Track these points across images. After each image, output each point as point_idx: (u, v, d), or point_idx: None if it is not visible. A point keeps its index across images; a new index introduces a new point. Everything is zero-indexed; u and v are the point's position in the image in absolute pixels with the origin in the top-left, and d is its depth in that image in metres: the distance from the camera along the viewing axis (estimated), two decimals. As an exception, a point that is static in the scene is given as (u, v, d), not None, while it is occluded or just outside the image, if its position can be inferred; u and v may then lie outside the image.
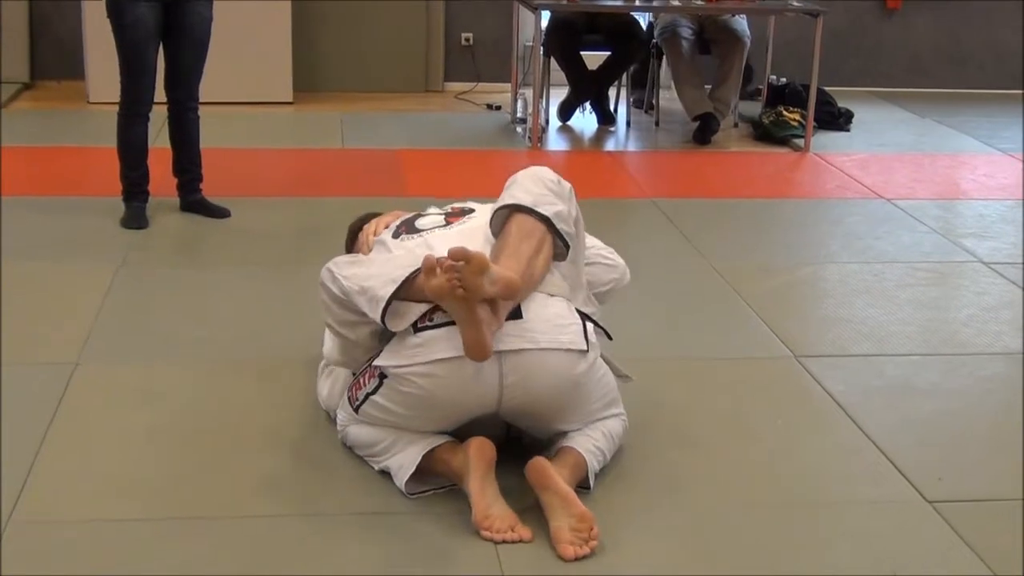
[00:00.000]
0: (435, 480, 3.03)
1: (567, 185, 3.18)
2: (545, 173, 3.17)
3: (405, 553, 2.80)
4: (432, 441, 3.02)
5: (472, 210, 3.33)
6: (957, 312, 4.51)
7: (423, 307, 2.95)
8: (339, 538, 2.85)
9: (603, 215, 5.61)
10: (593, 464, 3.05)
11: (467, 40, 8.33)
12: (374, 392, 3.04)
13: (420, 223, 3.29)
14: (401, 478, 3.00)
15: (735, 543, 2.89)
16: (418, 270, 2.89)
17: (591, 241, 3.39)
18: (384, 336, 3.04)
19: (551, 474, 2.88)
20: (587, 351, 3.03)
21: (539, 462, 2.90)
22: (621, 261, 3.48)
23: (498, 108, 7.74)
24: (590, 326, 3.10)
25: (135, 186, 5.11)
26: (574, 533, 2.80)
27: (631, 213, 5.69)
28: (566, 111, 7.47)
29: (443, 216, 3.31)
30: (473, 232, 3.15)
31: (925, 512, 3.05)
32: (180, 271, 4.63)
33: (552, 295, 3.06)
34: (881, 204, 5.84)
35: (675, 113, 7.45)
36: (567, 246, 3.11)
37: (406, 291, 2.94)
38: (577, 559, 2.77)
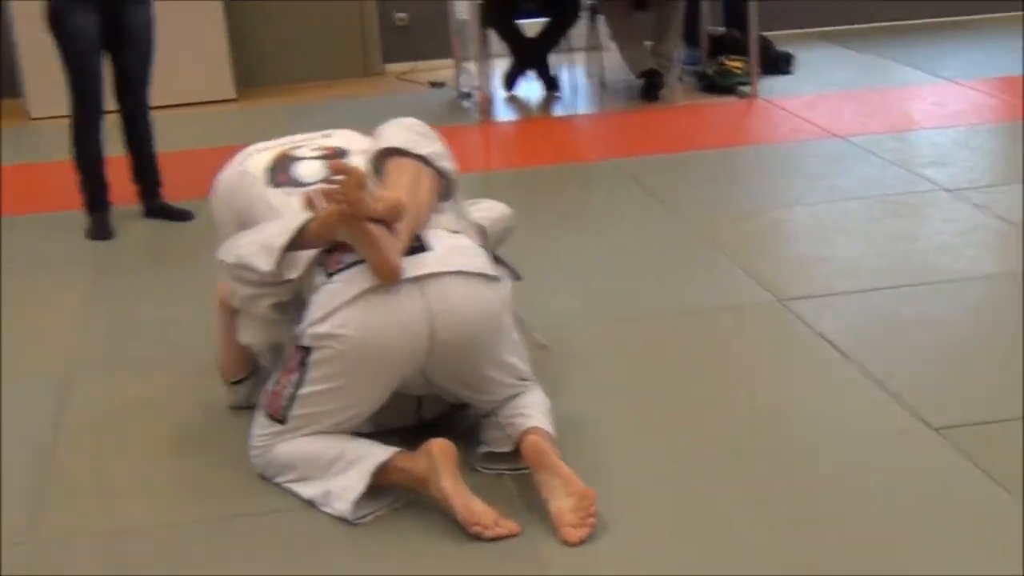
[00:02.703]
0: (384, 497, 2.85)
1: (435, 133, 3.19)
2: (410, 122, 3.19)
3: (402, 558, 2.74)
4: (382, 453, 2.85)
5: (344, 151, 3.27)
6: (930, 241, 4.55)
7: (313, 253, 2.91)
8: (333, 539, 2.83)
9: (566, 180, 5.64)
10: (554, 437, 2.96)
11: (402, 20, 8.28)
12: (300, 383, 2.88)
13: (299, 173, 3.19)
14: (347, 499, 2.81)
15: (745, 492, 2.88)
16: (312, 218, 2.88)
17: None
18: (290, 309, 2.99)
19: (549, 452, 2.83)
20: (499, 280, 3.00)
21: (536, 441, 2.84)
22: (500, 205, 3.46)
23: (442, 85, 7.71)
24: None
25: (96, 197, 5.07)
26: (575, 514, 2.71)
27: (592, 176, 5.69)
28: (511, 81, 7.46)
29: (318, 158, 3.24)
30: None
31: (932, 440, 3.07)
32: (153, 277, 4.58)
33: (453, 231, 3.04)
34: (836, 142, 5.88)
35: (620, 73, 7.45)
36: (450, 183, 3.12)
37: (301, 241, 2.90)
38: (582, 542, 2.69)
